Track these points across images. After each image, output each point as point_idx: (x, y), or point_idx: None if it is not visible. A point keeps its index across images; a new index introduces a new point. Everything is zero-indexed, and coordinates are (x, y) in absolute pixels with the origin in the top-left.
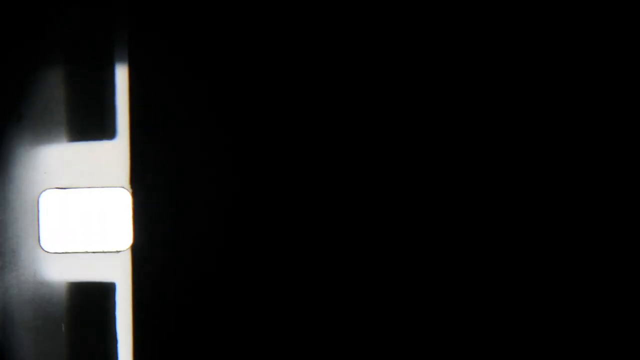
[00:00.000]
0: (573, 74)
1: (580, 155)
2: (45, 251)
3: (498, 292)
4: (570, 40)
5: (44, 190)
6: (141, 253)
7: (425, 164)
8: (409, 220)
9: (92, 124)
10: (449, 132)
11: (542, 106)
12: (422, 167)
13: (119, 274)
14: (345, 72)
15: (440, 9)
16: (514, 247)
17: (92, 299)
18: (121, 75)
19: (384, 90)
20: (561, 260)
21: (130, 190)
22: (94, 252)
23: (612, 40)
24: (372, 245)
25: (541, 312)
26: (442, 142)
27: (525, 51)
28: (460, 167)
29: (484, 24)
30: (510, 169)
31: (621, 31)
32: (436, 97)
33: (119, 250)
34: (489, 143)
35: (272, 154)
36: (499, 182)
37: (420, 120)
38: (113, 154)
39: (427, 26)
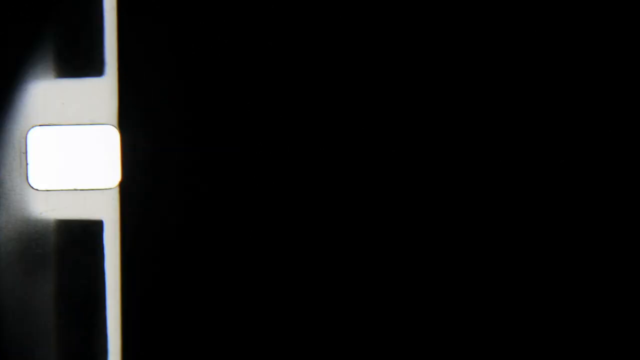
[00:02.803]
0: (573, 74)
1: (580, 155)
2: (34, 188)
3: (498, 293)
4: (570, 41)
5: (32, 127)
6: (129, 191)
7: (424, 164)
8: (407, 222)
9: (80, 60)
10: (449, 132)
11: (542, 106)
12: (422, 168)
13: (107, 212)
14: (342, 73)
15: (440, 9)
16: (513, 248)
17: (80, 236)
18: (109, 12)
19: (382, 91)
20: (561, 261)
21: (118, 127)
22: (82, 190)
23: (612, 40)
24: (371, 246)
25: (541, 312)
26: (442, 142)
27: (525, 51)
28: (460, 167)
29: (483, 24)
30: (510, 169)
31: (621, 31)
32: (436, 97)
33: (107, 187)
34: (488, 143)
35: (268, 100)
36: (498, 182)
37: (419, 121)
38: (101, 91)
39: (427, 26)
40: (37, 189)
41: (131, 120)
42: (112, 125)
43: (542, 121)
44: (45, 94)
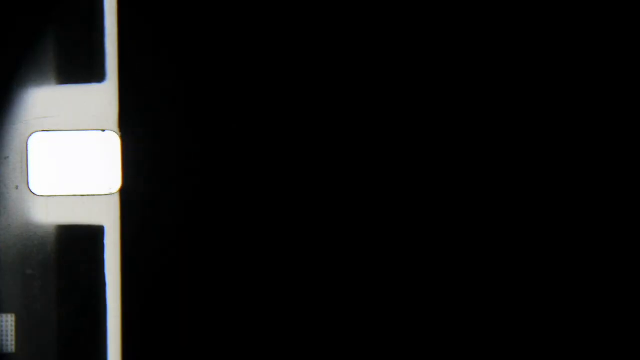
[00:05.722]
0: (573, 74)
1: (579, 155)
2: (35, 194)
3: (498, 293)
4: (570, 41)
5: (33, 133)
6: (130, 196)
7: (424, 164)
8: (407, 222)
9: (81, 66)
10: (449, 132)
11: (542, 106)
12: (421, 167)
13: (108, 217)
14: (340, 71)
15: (440, 9)
16: (513, 248)
17: (81, 242)
18: (110, 18)
19: (383, 91)
20: (561, 261)
21: (119, 133)
22: (82, 195)
23: (612, 40)
24: (370, 246)
25: (541, 312)
26: (442, 142)
27: (525, 51)
28: (460, 167)
29: (483, 24)
30: (510, 169)
31: (621, 31)
32: (436, 97)
33: (107, 193)
34: (488, 143)
35: (265, 106)
36: (498, 182)
37: (419, 121)
38: (102, 97)
39: (427, 26)
40: (38, 195)
41: (132, 125)
42: (113, 131)
43: (541, 122)
44: (46, 100)
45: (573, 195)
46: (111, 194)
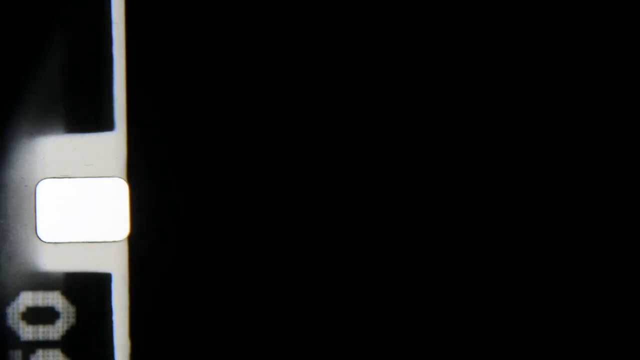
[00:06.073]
0: (573, 74)
1: (579, 155)
2: (42, 241)
3: (498, 293)
4: (570, 41)
5: (42, 180)
6: (137, 244)
7: (423, 165)
8: (407, 222)
9: (91, 116)
10: (448, 132)
11: (542, 106)
12: (419, 168)
13: (115, 265)
14: (342, 73)
15: (440, 9)
16: (513, 248)
17: (88, 289)
18: (119, 69)
19: (382, 93)
20: (561, 261)
21: (127, 181)
22: (90, 242)
23: (612, 40)
24: (369, 247)
25: (541, 312)
26: (442, 142)
27: (525, 51)
28: (460, 167)
29: (484, 24)
30: (510, 170)
31: (621, 31)
32: (436, 97)
33: (115, 240)
34: (488, 143)
35: (268, 149)
36: (498, 182)
37: (418, 121)
38: (111, 146)
39: (427, 26)
40: (45, 242)
41: (140, 173)
42: (121, 178)
43: (541, 122)
44: (56, 147)
45: (572, 196)
46: (119, 241)
